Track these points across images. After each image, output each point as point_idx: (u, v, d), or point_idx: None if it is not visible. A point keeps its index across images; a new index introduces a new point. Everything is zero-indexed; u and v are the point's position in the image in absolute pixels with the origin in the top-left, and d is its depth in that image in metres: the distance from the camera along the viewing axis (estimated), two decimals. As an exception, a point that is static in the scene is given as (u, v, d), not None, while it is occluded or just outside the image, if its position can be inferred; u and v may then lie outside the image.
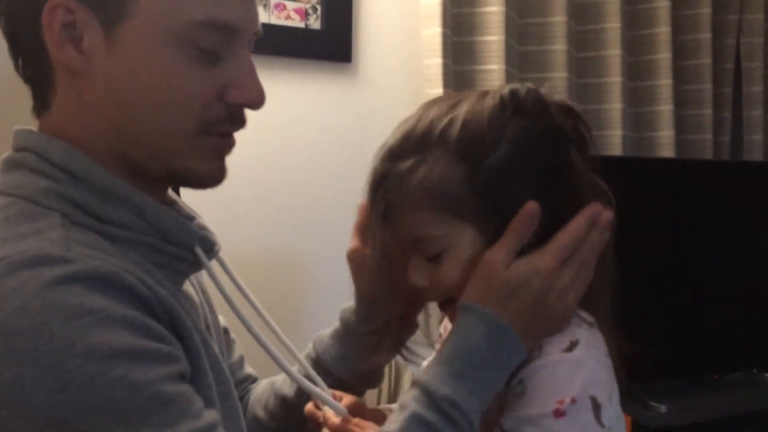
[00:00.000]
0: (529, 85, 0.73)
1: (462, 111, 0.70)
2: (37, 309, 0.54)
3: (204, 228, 0.76)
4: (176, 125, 0.66)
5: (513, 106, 0.70)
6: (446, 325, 0.87)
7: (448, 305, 0.74)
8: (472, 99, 0.71)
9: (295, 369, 0.78)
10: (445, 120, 0.69)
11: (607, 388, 0.68)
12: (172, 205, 0.76)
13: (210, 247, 0.73)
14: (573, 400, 0.64)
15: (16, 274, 0.55)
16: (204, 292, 0.81)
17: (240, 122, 0.70)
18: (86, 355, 0.53)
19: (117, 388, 0.54)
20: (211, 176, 0.70)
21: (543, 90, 0.74)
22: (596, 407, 0.66)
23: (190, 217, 0.76)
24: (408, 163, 0.69)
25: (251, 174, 1.41)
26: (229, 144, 0.71)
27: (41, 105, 0.69)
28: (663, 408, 1.53)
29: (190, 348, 0.64)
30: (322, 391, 0.79)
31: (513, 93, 0.70)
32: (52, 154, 0.65)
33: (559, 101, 0.74)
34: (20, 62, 0.68)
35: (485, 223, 0.69)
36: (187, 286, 0.75)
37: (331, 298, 1.53)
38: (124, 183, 0.65)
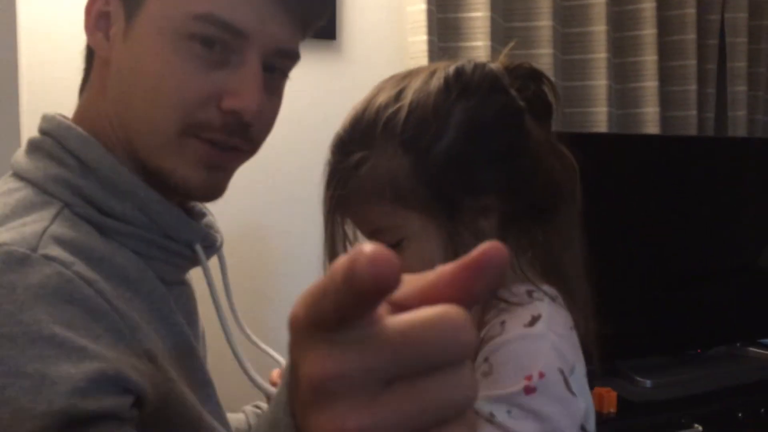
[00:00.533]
0: (476, 60, 0.71)
1: (407, 98, 0.69)
2: None
3: (210, 226, 0.76)
4: (162, 118, 0.65)
5: (458, 87, 0.69)
6: None
7: None
8: (420, 81, 0.70)
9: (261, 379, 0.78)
10: (391, 110, 0.69)
11: (570, 360, 0.67)
12: (187, 202, 0.76)
13: (211, 244, 0.73)
14: (541, 375, 0.64)
15: None
16: None
17: (237, 134, 0.67)
18: None
19: (4, 409, 0.51)
20: (198, 186, 0.67)
21: (501, 59, 0.72)
22: (564, 377, 0.66)
23: (201, 214, 0.77)
24: (356, 157, 0.70)
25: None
26: (225, 158, 0.69)
27: (81, 86, 0.72)
28: (648, 383, 1.54)
29: (152, 352, 0.61)
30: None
31: (458, 73, 0.69)
32: (68, 141, 0.65)
33: (519, 64, 0.73)
34: (85, 48, 0.72)
35: (434, 211, 0.68)
36: (189, 281, 0.75)
37: (309, 275, 1.53)
38: (132, 177, 0.65)
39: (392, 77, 0.74)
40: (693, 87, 1.84)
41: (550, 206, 0.72)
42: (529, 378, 0.64)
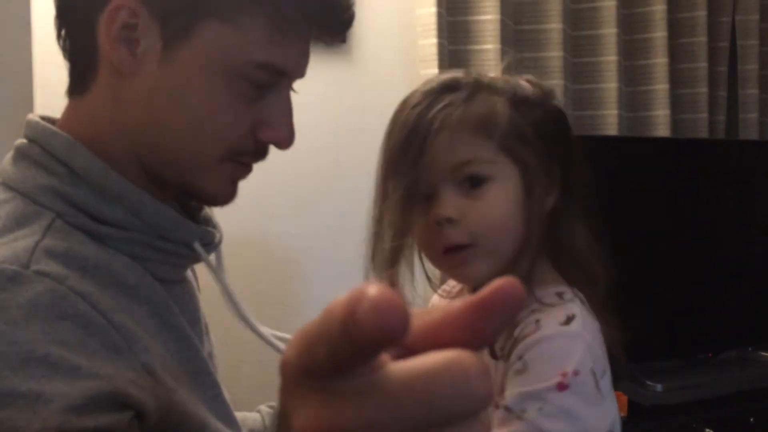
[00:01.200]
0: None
1: (500, 78, 0.77)
2: None
3: (208, 220, 0.76)
4: (205, 151, 0.67)
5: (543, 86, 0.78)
6: (434, 302, 0.87)
7: (454, 253, 0.73)
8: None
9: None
10: (500, 77, 0.76)
11: (602, 362, 0.69)
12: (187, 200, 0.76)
13: (209, 242, 0.73)
14: (575, 372, 0.65)
15: None
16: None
17: (264, 156, 0.72)
18: None
19: None
20: (223, 198, 0.71)
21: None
22: (595, 379, 0.66)
23: (195, 208, 0.77)
24: (465, 93, 0.73)
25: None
26: (247, 172, 0.72)
27: (76, 88, 0.70)
28: (659, 387, 1.54)
29: (160, 363, 0.61)
30: None
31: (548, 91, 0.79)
32: (54, 148, 0.65)
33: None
34: (63, 35, 0.69)
35: (530, 165, 0.72)
36: (190, 277, 0.75)
37: (323, 282, 1.53)
38: (123, 181, 0.65)
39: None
40: (704, 90, 1.83)
41: (582, 206, 0.76)
42: (563, 374, 0.65)
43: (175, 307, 0.67)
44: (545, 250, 0.74)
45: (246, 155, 0.70)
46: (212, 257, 0.76)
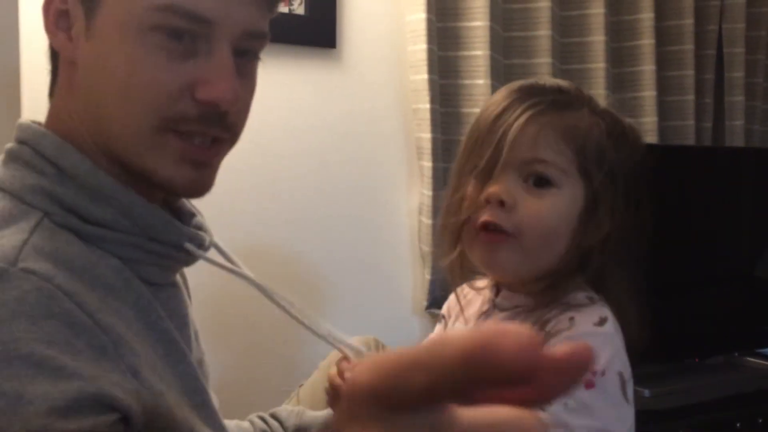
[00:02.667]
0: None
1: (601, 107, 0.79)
2: None
3: (199, 226, 0.75)
4: (136, 115, 0.64)
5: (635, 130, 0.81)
6: (449, 307, 0.87)
7: (492, 233, 0.73)
8: None
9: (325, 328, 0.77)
10: (608, 106, 0.79)
11: (629, 367, 0.70)
12: (174, 201, 0.75)
13: (199, 244, 0.71)
14: (603, 372, 0.66)
15: None
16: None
17: (215, 125, 0.66)
18: None
19: None
20: (180, 183, 0.66)
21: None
22: (623, 382, 0.67)
23: (190, 214, 0.75)
24: (570, 98, 0.75)
25: (233, 161, 1.40)
26: (209, 154, 0.68)
27: (50, 92, 0.71)
28: (646, 392, 1.54)
29: (137, 365, 0.60)
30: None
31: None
32: (44, 149, 0.64)
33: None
34: (48, 52, 0.70)
35: (597, 190, 0.73)
36: (179, 281, 0.74)
37: (311, 283, 1.53)
38: (112, 181, 0.64)
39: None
40: (691, 97, 1.85)
41: (629, 254, 0.77)
42: (592, 372, 0.65)
43: (162, 310, 0.67)
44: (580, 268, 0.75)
45: (189, 123, 0.64)
46: (217, 257, 0.75)
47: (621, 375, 0.68)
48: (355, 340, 1.17)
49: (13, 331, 0.53)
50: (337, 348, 0.77)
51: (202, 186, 0.69)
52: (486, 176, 0.73)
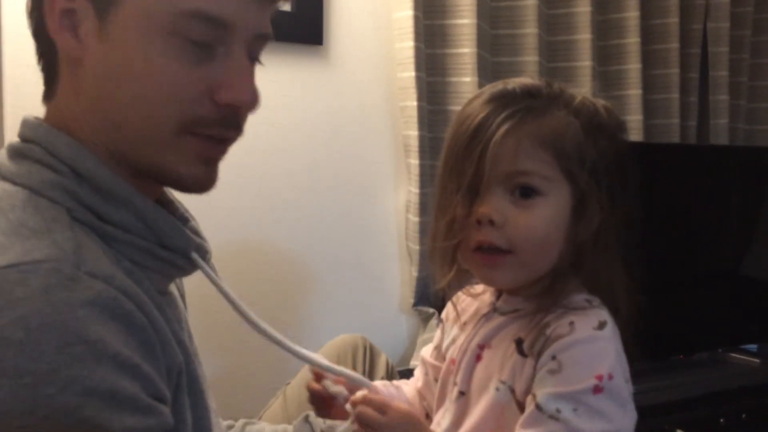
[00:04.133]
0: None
1: (585, 97, 0.77)
2: (35, 325, 0.53)
3: (196, 232, 0.76)
4: (157, 119, 0.64)
5: (616, 117, 0.79)
6: (448, 312, 0.87)
7: (487, 253, 0.73)
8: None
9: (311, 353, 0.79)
10: (582, 97, 0.76)
11: (627, 370, 0.70)
12: (168, 204, 0.76)
13: (203, 255, 0.73)
14: (610, 376, 0.66)
15: (25, 284, 0.54)
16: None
17: (233, 127, 0.68)
18: (64, 386, 0.52)
19: (82, 427, 0.53)
20: (195, 181, 0.68)
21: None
22: (627, 383, 0.68)
23: (184, 219, 0.76)
24: (543, 102, 0.73)
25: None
26: (219, 151, 0.69)
27: (48, 92, 0.69)
28: (631, 388, 1.55)
29: (171, 367, 0.63)
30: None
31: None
32: (58, 150, 0.64)
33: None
34: (36, 50, 0.69)
35: (584, 190, 0.73)
36: (172, 289, 0.75)
37: (298, 282, 1.52)
38: (127, 185, 0.65)
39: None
40: (676, 95, 1.86)
41: (619, 243, 0.77)
42: (599, 377, 0.66)
43: (170, 315, 0.68)
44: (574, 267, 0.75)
45: (209, 126, 0.66)
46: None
47: (624, 376, 0.69)
48: (340, 339, 1.17)
49: (97, 332, 0.55)
50: (309, 362, 0.79)
51: (210, 182, 0.70)
52: (472, 195, 0.73)
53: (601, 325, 0.69)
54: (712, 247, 1.75)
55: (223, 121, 0.66)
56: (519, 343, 0.73)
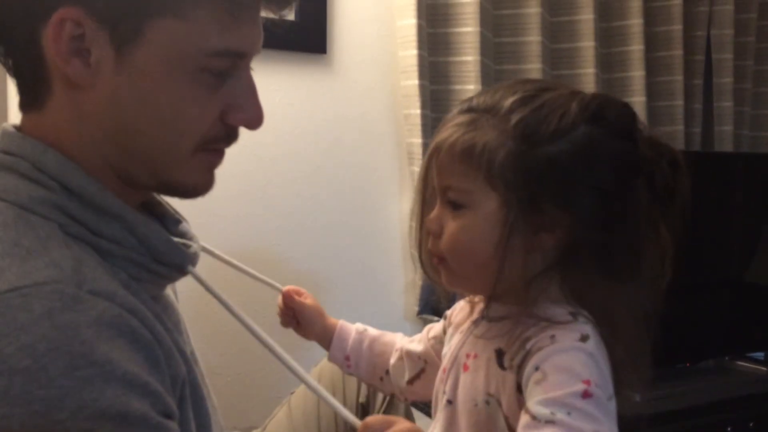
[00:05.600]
0: (628, 105, 0.74)
1: (543, 97, 0.71)
2: (41, 351, 0.53)
3: (184, 234, 0.76)
4: (178, 146, 0.66)
5: (596, 113, 0.71)
6: (451, 316, 0.88)
7: (438, 261, 0.76)
8: (564, 92, 0.73)
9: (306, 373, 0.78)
10: (520, 96, 0.72)
11: (609, 387, 0.68)
12: (157, 206, 0.76)
13: (195, 263, 0.74)
14: (597, 384, 0.65)
15: (28, 309, 0.54)
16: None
17: (235, 139, 0.71)
18: (75, 411, 0.53)
19: None
20: (201, 188, 0.71)
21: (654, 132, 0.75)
22: (608, 397, 0.67)
23: (175, 221, 0.77)
24: (468, 117, 0.73)
25: (225, 167, 1.39)
26: (221, 157, 0.72)
27: (31, 103, 0.68)
28: (637, 397, 1.54)
29: (176, 379, 0.64)
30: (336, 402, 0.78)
31: (603, 102, 0.72)
32: (46, 165, 0.64)
33: (664, 144, 0.75)
34: (2, 52, 0.67)
35: (511, 201, 0.70)
36: (167, 291, 0.75)
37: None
38: (118, 201, 0.65)
39: (539, 80, 0.78)
40: (680, 102, 1.86)
41: (621, 265, 0.73)
42: (586, 382, 0.65)
43: (166, 321, 0.68)
44: (557, 280, 0.73)
45: (218, 142, 0.70)
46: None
47: (607, 393, 0.67)
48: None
49: (105, 354, 0.55)
50: (301, 379, 0.79)
51: (212, 185, 0.72)
52: (432, 207, 0.77)
53: (584, 338, 0.68)
54: (718, 255, 1.74)
55: (229, 137, 0.70)
56: (499, 354, 0.73)
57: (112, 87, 0.64)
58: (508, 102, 0.71)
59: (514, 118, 0.70)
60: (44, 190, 0.63)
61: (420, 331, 1.55)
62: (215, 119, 0.67)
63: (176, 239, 0.74)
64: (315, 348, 1.45)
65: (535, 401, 0.66)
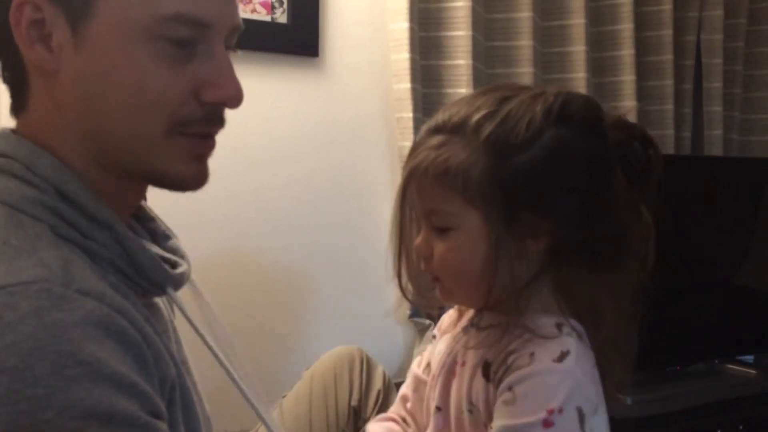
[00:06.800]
0: (591, 98, 0.74)
1: (507, 108, 0.71)
2: (27, 349, 0.52)
3: (176, 250, 0.75)
4: (147, 125, 0.64)
5: (560, 114, 0.71)
6: (441, 324, 0.87)
7: (434, 280, 0.76)
8: (526, 97, 0.72)
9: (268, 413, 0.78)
10: (487, 110, 0.71)
11: (592, 399, 0.68)
12: (149, 221, 0.76)
13: (179, 285, 0.73)
14: (560, 410, 0.65)
15: (15, 307, 0.54)
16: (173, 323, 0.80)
17: (217, 122, 0.68)
18: (61, 410, 0.52)
19: None
20: (190, 179, 0.68)
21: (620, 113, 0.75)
22: (581, 417, 0.66)
23: (164, 236, 0.76)
24: (440, 139, 0.72)
25: (216, 171, 1.39)
26: (208, 146, 0.69)
27: (18, 106, 0.68)
28: (628, 400, 1.55)
29: (164, 381, 0.63)
30: None
31: (565, 101, 0.72)
32: (40, 169, 0.63)
33: (632, 125, 0.76)
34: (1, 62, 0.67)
35: (492, 215, 0.70)
36: (159, 303, 0.74)
37: (295, 294, 1.52)
38: (109, 211, 0.64)
39: (498, 86, 0.77)
40: (670, 107, 1.87)
41: (608, 257, 0.73)
42: (549, 411, 0.65)
43: (155, 325, 0.67)
44: (548, 282, 0.73)
45: (196, 124, 0.66)
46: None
47: (580, 410, 0.66)
48: (336, 351, 1.16)
49: (92, 353, 0.54)
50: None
51: (204, 178, 0.70)
52: (411, 230, 0.77)
53: (562, 356, 0.68)
54: (707, 258, 1.75)
55: (207, 118, 0.67)
56: (486, 366, 0.73)
57: (75, 69, 0.63)
58: (474, 119, 0.71)
59: (483, 134, 0.70)
60: (36, 191, 0.62)
61: (411, 332, 1.55)
62: (184, 96, 0.64)
63: (166, 254, 0.74)
64: (307, 351, 1.45)
65: (497, 425, 0.67)
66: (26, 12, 0.62)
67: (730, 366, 1.75)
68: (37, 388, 0.52)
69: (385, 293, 1.60)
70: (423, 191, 0.73)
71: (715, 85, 1.94)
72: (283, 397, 1.18)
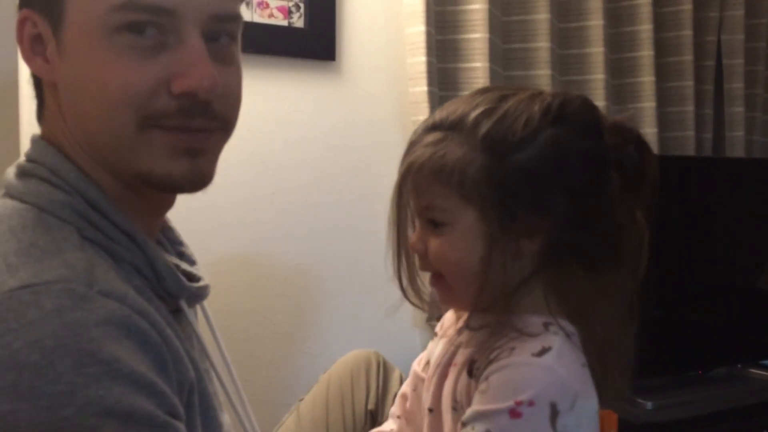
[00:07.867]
0: (588, 99, 0.74)
1: (505, 106, 0.71)
2: (50, 347, 0.53)
3: (186, 256, 0.77)
4: (117, 119, 0.64)
5: (558, 114, 0.71)
6: (443, 323, 0.87)
7: (436, 280, 0.76)
8: (524, 97, 0.72)
9: None
10: (485, 108, 0.71)
11: (570, 396, 0.67)
12: (164, 230, 0.77)
13: (194, 302, 0.74)
14: (530, 403, 0.64)
15: (39, 306, 0.55)
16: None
17: (197, 115, 0.65)
18: (82, 407, 0.53)
19: None
20: (179, 177, 0.66)
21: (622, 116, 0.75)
22: (554, 414, 0.65)
23: (178, 242, 0.78)
24: (438, 136, 0.72)
25: (233, 175, 1.40)
26: (197, 140, 0.66)
27: (39, 115, 0.71)
28: (649, 404, 1.53)
29: (183, 384, 0.64)
30: None
31: (563, 102, 0.72)
32: (65, 175, 0.65)
33: (629, 128, 0.75)
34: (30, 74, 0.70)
35: (488, 213, 0.70)
36: (186, 310, 0.75)
37: (311, 298, 1.52)
38: (129, 221, 0.66)
39: (496, 87, 0.77)
40: (690, 108, 1.85)
41: (603, 258, 0.73)
42: (518, 402, 0.64)
43: (177, 329, 0.68)
44: (541, 283, 0.73)
45: (172, 117, 0.64)
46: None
47: (554, 406, 0.65)
48: (353, 355, 1.16)
49: (112, 352, 0.55)
50: None
51: (201, 176, 0.68)
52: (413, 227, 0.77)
53: (542, 351, 0.67)
54: (730, 261, 1.73)
55: (182, 110, 0.64)
56: (472, 364, 0.73)
57: (63, 76, 0.66)
58: (472, 116, 0.71)
59: (480, 132, 0.70)
60: (64, 195, 0.64)
61: (428, 336, 1.55)
62: (152, 88, 0.63)
63: (186, 267, 0.75)
64: (324, 354, 1.45)
65: (469, 411, 0.67)
66: (27, 28, 0.65)
67: (753, 371, 1.72)
68: (57, 385, 0.52)
69: (400, 296, 1.60)
70: (419, 188, 0.73)
71: (736, 85, 1.91)
72: (300, 400, 1.18)
